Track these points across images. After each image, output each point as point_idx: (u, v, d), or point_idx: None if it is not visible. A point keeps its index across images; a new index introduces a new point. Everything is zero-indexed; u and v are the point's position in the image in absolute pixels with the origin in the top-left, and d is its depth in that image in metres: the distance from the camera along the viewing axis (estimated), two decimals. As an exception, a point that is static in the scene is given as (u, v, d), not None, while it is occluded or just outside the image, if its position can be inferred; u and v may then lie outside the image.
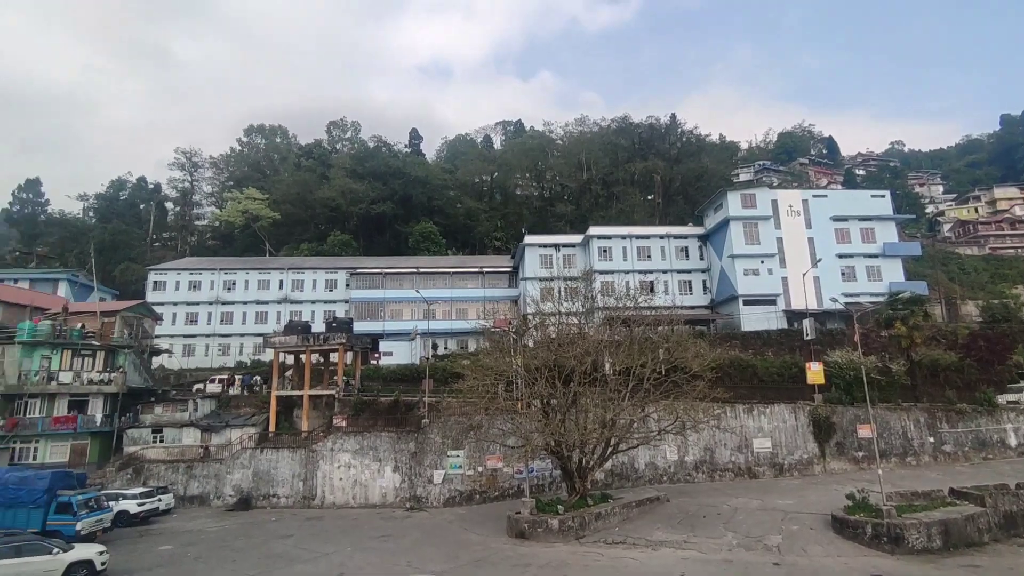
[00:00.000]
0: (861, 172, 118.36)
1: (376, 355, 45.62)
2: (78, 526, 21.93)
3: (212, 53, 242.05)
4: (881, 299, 43.94)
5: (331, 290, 57.52)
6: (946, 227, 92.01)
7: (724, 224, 49.95)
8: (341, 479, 31.14)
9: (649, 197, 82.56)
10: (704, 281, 53.23)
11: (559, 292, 40.38)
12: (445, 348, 52.29)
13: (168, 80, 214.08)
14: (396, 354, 46.46)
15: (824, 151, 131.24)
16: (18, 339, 34.22)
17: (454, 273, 58.11)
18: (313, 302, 56.63)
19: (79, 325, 37.47)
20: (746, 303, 47.40)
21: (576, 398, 24.31)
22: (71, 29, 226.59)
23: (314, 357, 38.33)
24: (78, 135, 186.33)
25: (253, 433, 34.63)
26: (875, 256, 49.73)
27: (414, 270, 57.67)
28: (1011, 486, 21.40)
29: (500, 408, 25.74)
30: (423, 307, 51.04)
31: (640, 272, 51.40)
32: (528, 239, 54.86)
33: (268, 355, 41.47)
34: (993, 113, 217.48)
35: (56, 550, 17.90)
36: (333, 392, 35.62)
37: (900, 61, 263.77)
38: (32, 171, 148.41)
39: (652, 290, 43.64)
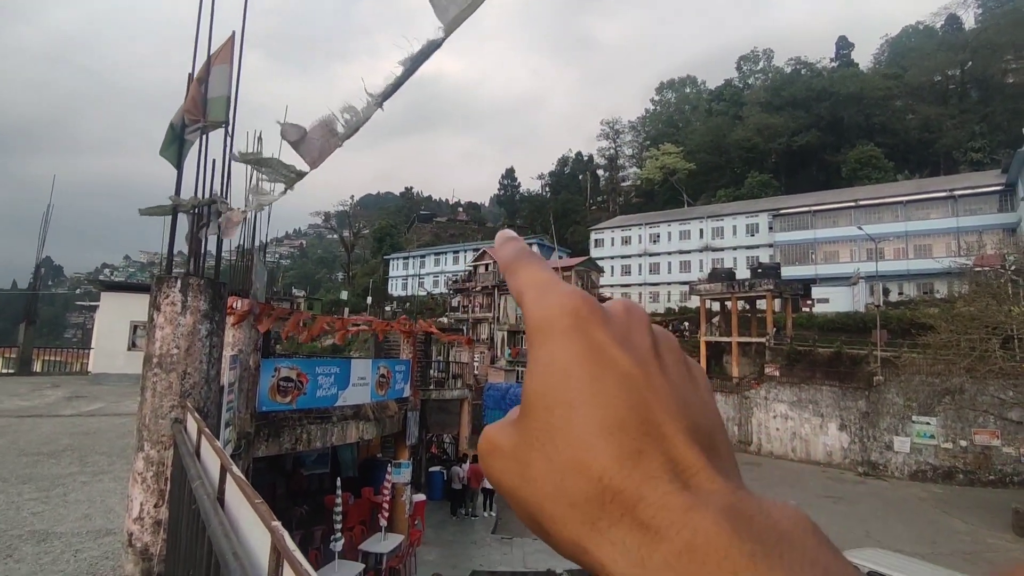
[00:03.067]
0: None
1: (808, 302, 41.71)
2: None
3: (624, 25, 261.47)
4: None
5: (752, 235, 55.16)
6: None
7: None
8: (778, 429, 30.12)
9: None
10: None
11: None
12: (900, 293, 43.47)
13: (593, 63, 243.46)
14: (833, 301, 41.38)
15: None
16: (513, 290, 46.13)
17: (908, 202, 46.82)
18: (734, 248, 55.60)
19: (548, 278, 47.62)
20: None
21: None
22: (519, 43, 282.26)
23: (740, 304, 37.87)
24: (534, 127, 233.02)
25: (686, 374, 37.00)
26: None
27: (851, 204, 49.33)
28: None
29: (995, 371, 19.89)
30: (866, 246, 43.52)
31: None
32: (1032, 142, 39.48)
33: (693, 302, 43.26)
34: None
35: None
36: (763, 340, 34.49)
37: None
38: (509, 162, 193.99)
39: None
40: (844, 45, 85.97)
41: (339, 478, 11.99)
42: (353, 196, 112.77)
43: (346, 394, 11.70)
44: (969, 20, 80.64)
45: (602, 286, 55.76)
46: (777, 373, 31.66)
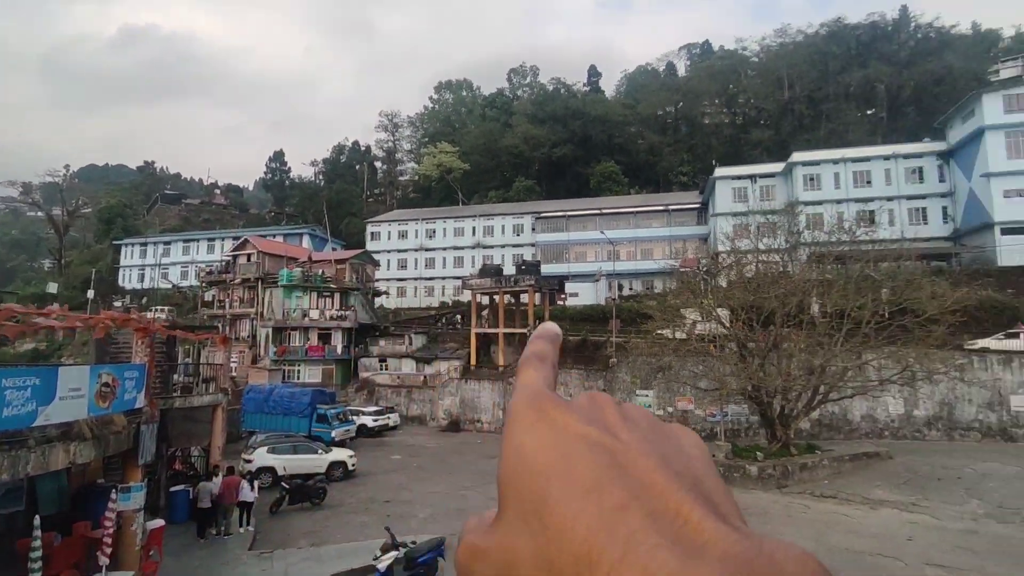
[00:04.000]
0: None
1: (562, 296, 47.09)
2: (333, 434, 27.05)
3: (407, 19, 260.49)
4: None
5: (518, 235, 60.15)
6: None
7: (977, 135, 40.39)
8: (535, 411, 33.47)
9: (869, 112, 70.15)
10: (944, 208, 44.28)
11: (756, 228, 37.07)
12: (630, 289, 51.89)
13: (373, 53, 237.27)
14: (581, 295, 47.44)
15: None
16: (280, 283, 42.44)
17: (638, 212, 56.44)
18: (503, 246, 59.91)
19: (320, 271, 45.01)
20: (1005, 232, 38.48)
21: (778, 342, 22.57)
22: (293, 15, 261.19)
23: (506, 298, 41.02)
24: (309, 110, 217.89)
25: (458, 365, 38.72)
26: None
27: (597, 211, 57.34)
28: None
29: (691, 350, 25.08)
30: (607, 248, 50.88)
31: (857, 201, 44.53)
32: (719, 171, 50.76)
33: (466, 296, 45.47)
34: None
35: (320, 451, 22.41)
36: (525, 331, 37.93)
37: None
38: (278, 144, 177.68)
39: (873, 221, 37.69)
40: (594, 73, 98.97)
41: (37, 516, 9.70)
42: (68, 166, 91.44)
43: (50, 410, 9.54)
44: (681, 69, 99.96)
45: (378, 280, 54.99)
46: (536, 360, 35.12)
